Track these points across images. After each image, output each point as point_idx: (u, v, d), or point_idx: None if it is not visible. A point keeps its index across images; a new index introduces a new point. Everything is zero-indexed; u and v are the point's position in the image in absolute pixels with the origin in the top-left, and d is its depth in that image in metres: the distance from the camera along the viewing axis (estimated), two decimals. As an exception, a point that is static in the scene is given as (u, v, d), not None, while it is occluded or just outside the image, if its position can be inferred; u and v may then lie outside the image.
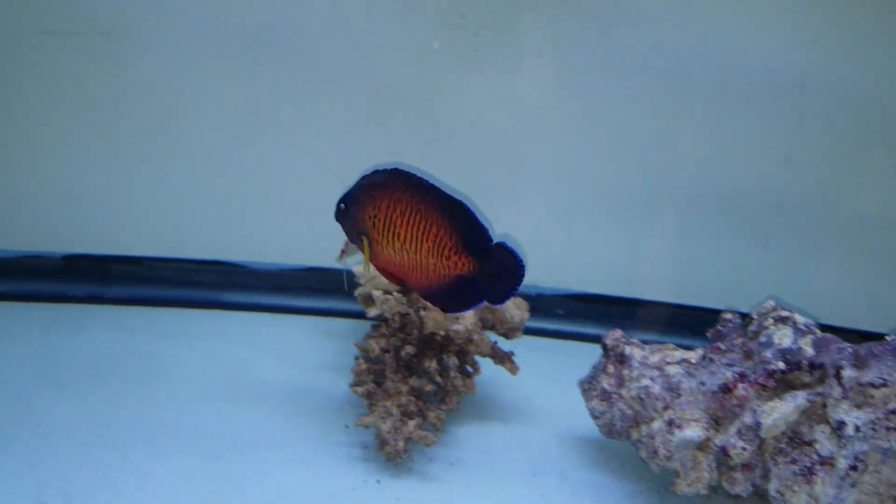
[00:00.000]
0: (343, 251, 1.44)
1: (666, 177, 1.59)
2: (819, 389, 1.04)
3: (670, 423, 1.08)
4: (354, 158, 1.54)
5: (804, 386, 1.06)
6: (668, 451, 1.08)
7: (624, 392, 1.15)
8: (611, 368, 1.19)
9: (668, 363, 1.13)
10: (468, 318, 1.23)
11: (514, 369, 1.29)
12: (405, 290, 1.28)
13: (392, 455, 1.14)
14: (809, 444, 1.04)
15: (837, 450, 1.01)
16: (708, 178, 1.59)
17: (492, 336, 1.31)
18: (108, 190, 1.57)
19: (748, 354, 1.12)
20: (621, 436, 1.18)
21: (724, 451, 1.06)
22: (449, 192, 1.07)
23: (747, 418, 1.05)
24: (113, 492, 1.05)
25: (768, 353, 1.06)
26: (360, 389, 1.21)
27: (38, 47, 1.48)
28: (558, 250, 1.63)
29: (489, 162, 1.60)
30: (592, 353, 1.55)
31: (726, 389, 1.07)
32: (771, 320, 1.12)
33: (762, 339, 1.09)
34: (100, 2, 1.49)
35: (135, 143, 1.55)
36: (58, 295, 1.58)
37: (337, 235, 1.44)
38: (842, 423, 1.01)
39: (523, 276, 1.02)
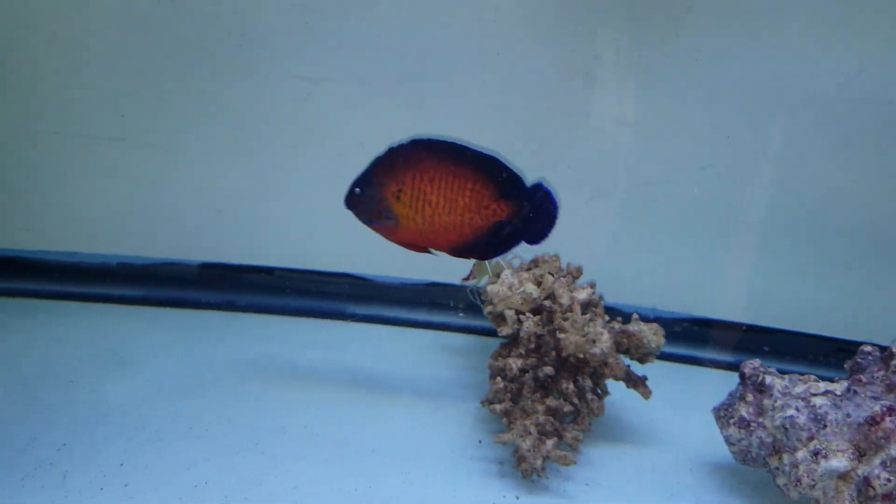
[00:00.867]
0: (471, 275, 1.48)
1: (793, 206, 1.58)
2: (971, 427, 1.03)
3: (816, 453, 1.08)
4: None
5: (955, 423, 1.05)
6: (812, 480, 1.08)
7: (766, 421, 1.16)
8: (749, 397, 1.19)
9: (814, 394, 1.13)
10: (605, 341, 1.25)
11: (646, 394, 1.30)
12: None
13: (529, 472, 1.16)
14: (958, 480, 1.03)
15: None
16: (836, 208, 1.57)
17: (625, 360, 1.32)
18: (245, 203, 1.63)
19: (890, 388, 1.12)
20: (756, 462, 1.18)
21: (866, 481, 1.06)
22: (475, 147, 1.09)
23: (893, 450, 1.05)
24: (267, 495, 1.10)
25: (921, 389, 1.06)
26: (498, 407, 1.24)
27: (187, 65, 1.55)
28: (680, 274, 1.63)
29: (613, 185, 1.62)
30: (711, 378, 1.57)
31: (873, 422, 1.07)
32: (917, 354, 1.11)
33: (912, 373, 1.08)
34: (250, 20, 1.56)
35: (274, 161, 1.61)
36: (195, 302, 1.64)
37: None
38: None
39: (557, 214, 1.07)
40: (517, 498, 1.15)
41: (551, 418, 1.22)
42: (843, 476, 1.08)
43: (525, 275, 1.37)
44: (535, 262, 1.45)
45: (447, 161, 1.12)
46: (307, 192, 1.63)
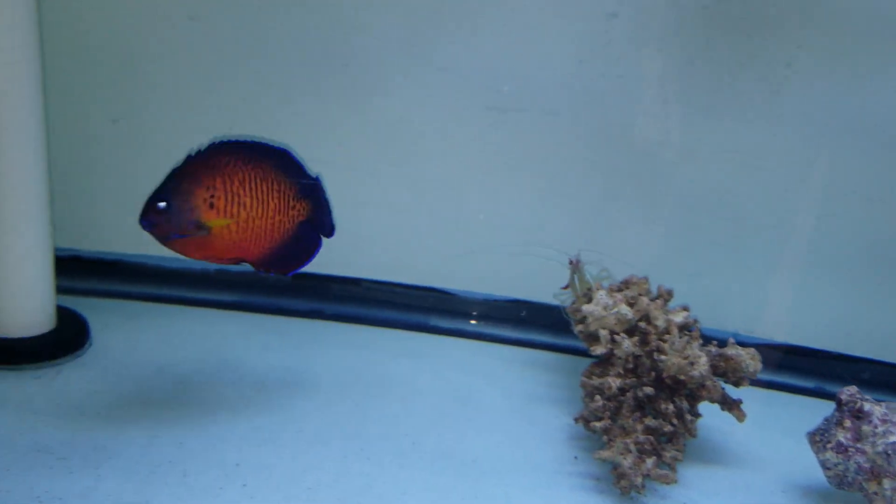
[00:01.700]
0: (568, 286, 1.51)
1: (881, 232, 1.62)
2: None
3: (920, 482, 1.11)
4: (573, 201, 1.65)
5: None
6: (915, 508, 1.11)
7: (865, 446, 1.18)
8: (847, 423, 1.22)
9: (916, 423, 1.16)
10: (703, 364, 1.28)
11: (741, 416, 1.33)
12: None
13: (628, 489, 1.20)
14: None
15: None
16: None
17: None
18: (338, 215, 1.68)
19: None
20: (853, 487, 1.21)
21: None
22: (268, 141, 1.05)
23: None
24: (378, 501, 1.14)
25: None
26: (598, 425, 1.27)
27: (274, 78, 1.61)
28: (764, 300, 1.66)
29: (711, 215, 1.65)
30: (794, 403, 1.60)
31: (980, 454, 1.10)
32: None
33: None
34: (357, 41, 1.61)
35: (366, 176, 1.66)
36: (286, 309, 1.69)
37: (548, 272, 1.54)
38: None
39: (326, 195, 1.07)
40: (616, 514, 1.19)
41: (651, 437, 1.25)
42: (945, 504, 1.10)
43: (618, 296, 1.40)
44: (625, 284, 1.48)
45: (253, 161, 1.07)
46: (396, 207, 1.68)
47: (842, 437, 1.22)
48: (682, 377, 1.28)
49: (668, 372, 1.27)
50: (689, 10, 1.55)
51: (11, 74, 1.29)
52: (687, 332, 1.38)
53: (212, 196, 1.06)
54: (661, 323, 1.35)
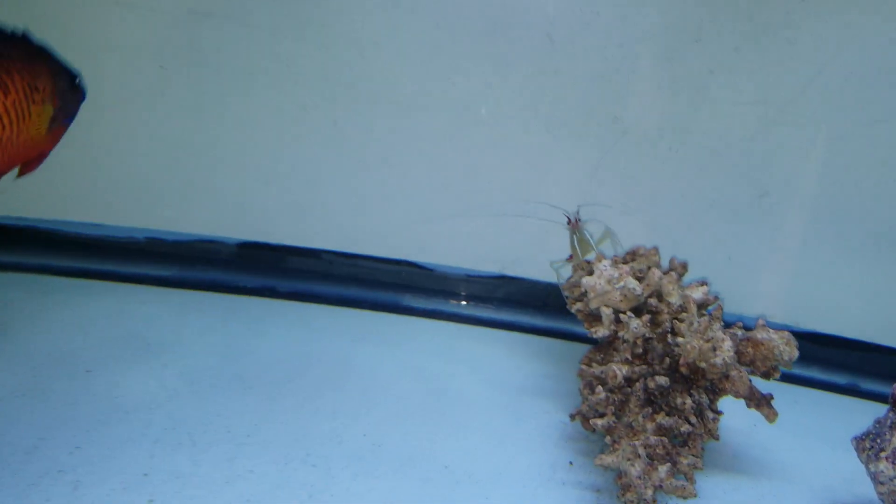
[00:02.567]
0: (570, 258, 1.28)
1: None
2: None
3: None
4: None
5: None
6: None
7: (933, 455, 0.94)
8: (906, 425, 0.98)
9: None
10: (726, 350, 1.04)
11: (772, 415, 1.09)
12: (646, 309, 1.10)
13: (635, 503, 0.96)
14: None
15: None
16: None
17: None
18: (297, 177, 1.44)
19: None
20: (912, 505, 0.97)
21: None
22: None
23: None
24: (322, 518, 0.90)
25: None
26: (599, 422, 1.03)
27: (231, 28, 1.36)
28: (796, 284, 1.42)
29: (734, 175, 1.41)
30: (828, 401, 1.36)
31: None
32: None
33: None
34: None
35: (329, 132, 1.42)
36: (232, 285, 1.45)
37: (541, 241, 1.29)
38: None
39: None
40: (623, 536, 0.95)
41: (663, 439, 1.01)
42: None
43: (624, 268, 1.15)
44: (631, 255, 1.24)
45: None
46: (364, 168, 1.43)
47: (900, 442, 0.98)
48: (703, 365, 1.04)
49: (686, 358, 1.03)
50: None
51: None
52: (706, 313, 1.14)
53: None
54: (675, 300, 1.11)
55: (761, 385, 1.10)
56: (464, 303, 1.48)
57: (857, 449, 1.03)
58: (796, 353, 1.09)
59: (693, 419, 1.04)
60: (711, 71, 1.33)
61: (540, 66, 1.36)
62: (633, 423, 1.03)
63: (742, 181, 1.38)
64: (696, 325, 1.06)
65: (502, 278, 1.48)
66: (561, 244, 1.29)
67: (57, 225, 1.44)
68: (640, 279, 1.15)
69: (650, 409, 1.04)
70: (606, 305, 1.13)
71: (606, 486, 1.02)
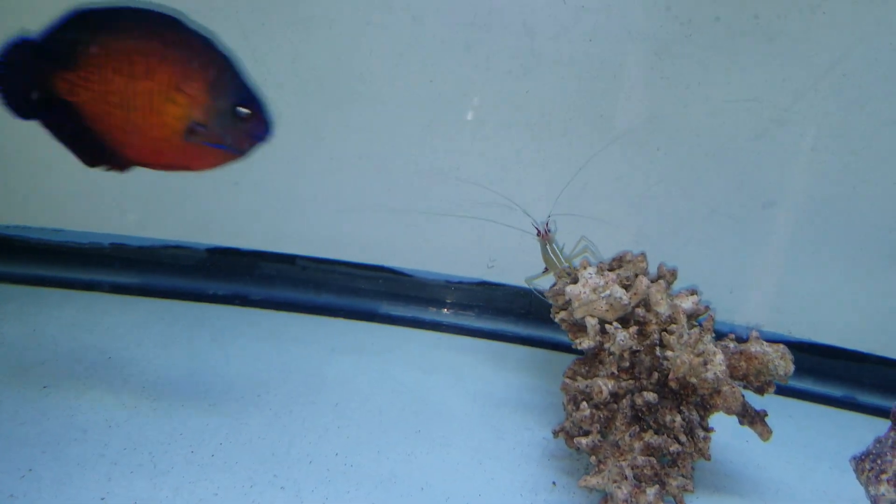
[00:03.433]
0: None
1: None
2: None
3: None
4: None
5: None
6: None
7: (935, 477, 0.89)
8: (908, 444, 0.93)
9: None
10: (718, 363, 0.99)
11: (766, 433, 1.03)
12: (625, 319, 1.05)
13: (623, 529, 0.90)
14: None
15: None
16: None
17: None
18: (269, 179, 1.38)
19: None
20: (919, 531, 0.92)
21: None
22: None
23: None
24: (289, 547, 0.85)
25: None
26: (584, 441, 0.98)
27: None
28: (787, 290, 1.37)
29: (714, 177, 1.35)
30: (823, 415, 1.31)
31: None
32: None
33: None
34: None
35: (304, 134, 1.36)
36: (201, 293, 1.38)
37: (525, 248, 1.24)
38: None
39: None
40: (610, 564, 0.89)
41: (651, 459, 0.96)
42: None
43: (610, 275, 1.10)
44: (618, 261, 1.19)
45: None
46: (340, 170, 1.37)
47: (902, 462, 0.93)
48: (693, 380, 0.98)
49: (676, 373, 0.98)
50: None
51: None
52: (696, 323, 1.09)
53: None
54: (664, 310, 1.06)
55: (755, 400, 1.05)
56: (444, 311, 1.42)
57: (856, 470, 0.98)
58: (792, 368, 1.04)
59: (683, 438, 0.99)
60: (705, 67, 1.27)
61: (522, 63, 1.30)
62: (620, 442, 0.97)
63: (736, 185, 1.33)
64: (686, 337, 1.01)
65: (484, 284, 1.42)
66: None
67: (12, 231, 1.37)
68: (626, 287, 1.10)
69: (637, 427, 0.99)
70: (591, 315, 1.08)
71: (590, 507, 0.97)
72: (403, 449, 1.05)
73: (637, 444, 0.97)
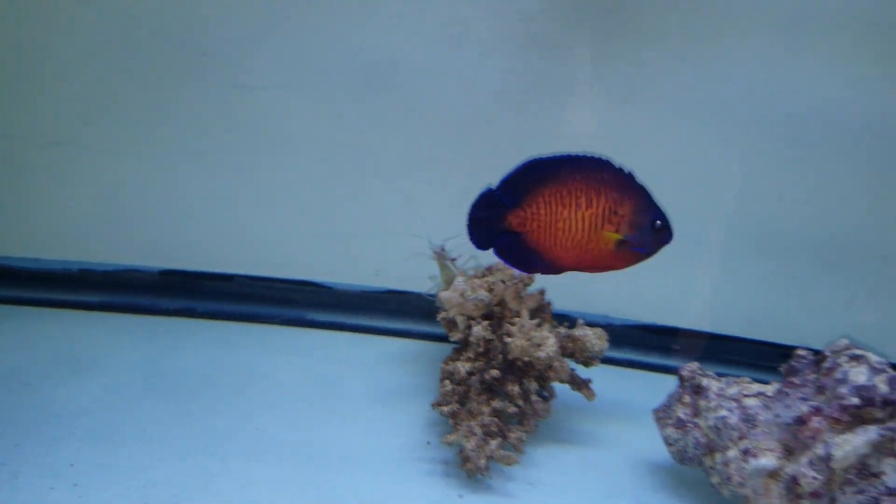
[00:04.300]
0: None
1: (746, 216, 1.63)
2: (890, 424, 1.08)
3: (745, 452, 1.12)
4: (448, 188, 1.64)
5: (876, 421, 1.09)
6: (742, 478, 1.12)
7: (700, 421, 1.20)
8: (686, 398, 1.24)
9: (746, 395, 1.17)
10: (550, 345, 1.29)
11: (590, 395, 1.34)
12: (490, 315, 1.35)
13: (473, 471, 1.20)
14: (877, 475, 1.07)
15: (905, 483, 1.04)
16: (788, 221, 1.62)
17: (570, 363, 1.36)
18: (206, 210, 1.67)
19: (820, 390, 1.15)
20: (693, 462, 1.22)
21: (794, 479, 1.09)
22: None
23: (819, 450, 1.09)
24: (216, 496, 1.13)
25: (844, 389, 1.10)
26: (445, 409, 1.27)
27: (148, 71, 1.59)
28: (627, 283, 1.67)
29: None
30: (657, 382, 1.61)
31: (801, 422, 1.11)
32: (846, 358, 1.15)
33: (838, 375, 1.12)
34: (211, 34, 1.60)
35: (236, 168, 1.65)
36: (155, 308, 1.67)
37: (425, 261, 1.54)
38: (912, 458, 1.04)
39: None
40: (460, 496, 1.19)
41: (496, 419, 1.25)
42: (771, 474, 1.12)
43: (478, 282, 1.40)
44: (489, 270, 1.49)
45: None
46: (269, 200, 1.67)
47: (681, 412, 1.23)
48: (527, 359, 1.28)
49: (513, 354, 1.28)
50: None
51: None
52: (540, 315, 1.39)
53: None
54: (514, 306, 1.36)
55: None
56: (360, 315, 1.72)
57: (655, 419, 1.29)
58: (606, 345, 1.35)
59: (520, 402, 1.29)
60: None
61: (418, 112, 1.61)
62: (472, 409, 1.27)
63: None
64: (525, 326, 1.30)
65: (392, 292, 1.72)
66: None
67: (1, 260, 1.67)
68: (491, 290, 1.40)
69: (487, 396, 1.29)
70: (461, 314, 1.38)
71: (453, 459, 1.26)
72: (312, 424, 1.33)
73: (486, 409, 1.27)
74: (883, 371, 1.12)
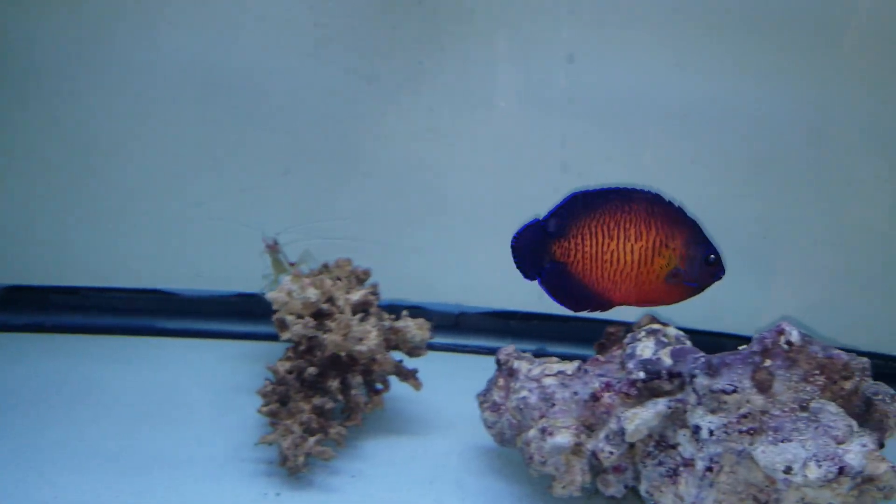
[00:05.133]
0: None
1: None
2: (679, 396, 1.12)
3: (543, 431, 1.15)
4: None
5: (667, 393, 1.13)
6: (542, 457, 1.15)
7: (509, 403, 1.23)
8: (501, 381, 1.27)
9: (546, 375, 1.20)
10: (372, 339, 1.31)
11: (417, 385, 1.36)
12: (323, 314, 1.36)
13: (293, 470, 1.21)
14: (674, 447, 1.11)
15: (696, 452, 1.08)
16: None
17: (397, 355, 1.38)
18: (46, 225, 1.66)
19: (623, 365, 1.20)
20: (511, 444, 1.25)
21: (594, 455, 1.13)
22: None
23: (613, 424, 1.13)
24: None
25: (631, 364, 1.14)
26: (264, 409, 1.29)
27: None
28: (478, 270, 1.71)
29: (414, 191, 1.69)
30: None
31: (595, 398, 1.15)
32: (643, 333, 1.19)
33: (628, 350, 1.16)
34: (37, 43, 1.58)
35: (71, 180, 1.64)
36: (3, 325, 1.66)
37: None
38: (697, 428, 1.08)
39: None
40: (278, 494, 1.20)
41: (316, 416, 1.27)
42: (573, 451, 1.15)
43: (307, 280, 1.41)
44: (325, 267, 1.50)
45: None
46: (110, 212, 1.66)
47: (497, 395, 1.26)
48: (346, 353, 1.30)
49: (329, 349, 1.30)
50: None
51: None
52: (368, 309, 1.41)
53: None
54: (341, 302, 1.37)
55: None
56: (209, 320, 1.72)
57: (478, 403, 1.31)
58: (428, 335, 1.37)
59: (339, 397, 1.30)
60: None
61: (254, 115, 1.63)
62: (292, 407, 1.28)
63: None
64: (343, 321, 1.32)
65: (239, 296, 1.73)
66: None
67: None
68: (320, 288, 1.41)
69: (307, 394, 1.30)
70: (290, 313, 1.39)
71: (275, 458, 1.27)
72: (141, 431, 1.34)
73: (306, 406, 1.29)
74: (668, 345, 1.16)
